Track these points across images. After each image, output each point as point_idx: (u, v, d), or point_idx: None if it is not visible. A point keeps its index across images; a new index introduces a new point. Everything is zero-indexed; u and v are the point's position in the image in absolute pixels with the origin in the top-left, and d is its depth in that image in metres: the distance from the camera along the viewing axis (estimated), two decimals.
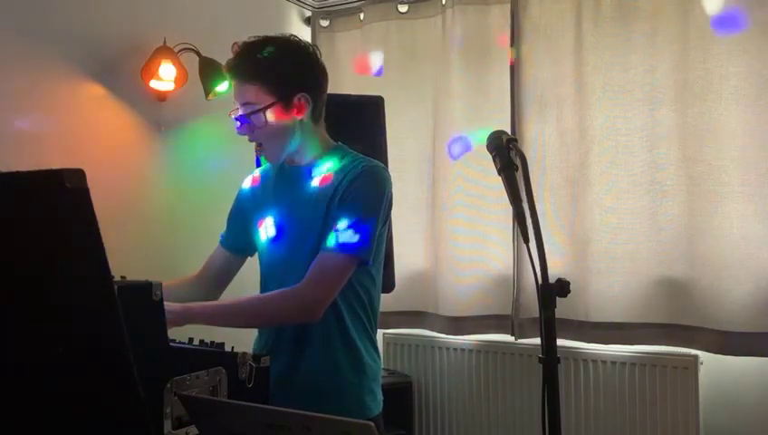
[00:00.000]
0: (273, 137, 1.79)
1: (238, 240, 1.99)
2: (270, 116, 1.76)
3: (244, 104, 1.77)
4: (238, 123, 1.79)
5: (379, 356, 1.89)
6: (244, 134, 1.80)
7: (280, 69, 1.76)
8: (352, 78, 3.69)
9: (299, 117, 1.79)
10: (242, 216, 1.98)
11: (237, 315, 1.74)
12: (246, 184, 2.02)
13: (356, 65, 3.73)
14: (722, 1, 2.92)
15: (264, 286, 1.90)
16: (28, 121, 2.48)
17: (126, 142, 2.87)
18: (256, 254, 1.97)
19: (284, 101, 1.76)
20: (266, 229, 1.89)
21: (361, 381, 1.80)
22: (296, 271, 1.74)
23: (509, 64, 3.38)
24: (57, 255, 0.99)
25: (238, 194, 2.03)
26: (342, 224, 1.72)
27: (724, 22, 2.90)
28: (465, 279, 3.43)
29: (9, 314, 1.05)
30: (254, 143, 1.85)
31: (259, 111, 1.75)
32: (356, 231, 1.72)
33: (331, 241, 1.72)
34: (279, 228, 1.86)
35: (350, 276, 1.74)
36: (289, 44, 1.81)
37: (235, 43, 1.80)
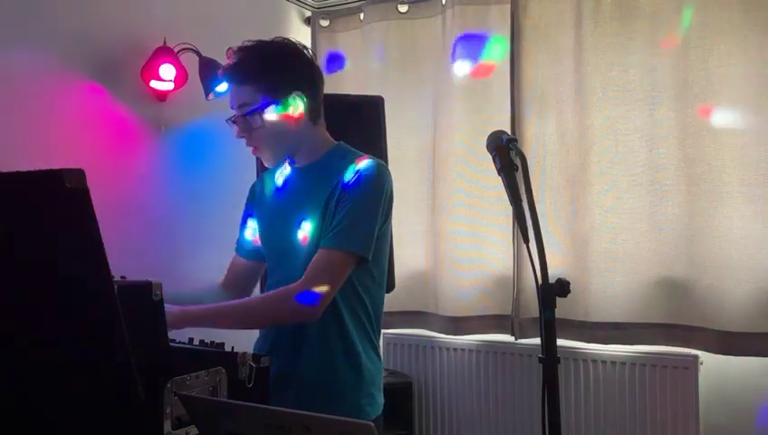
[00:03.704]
0: (270, 138, 1.80)
1: (250, 245, 2.00)
2: (266, 117, 1.77)
3: (240, 106, 1.79)
4: (235, 126, 1.81)
5: (380, 359, 1.87)
6: (242, 137, 1.82)
7: (273, 69, 1.78)
8: (352, 78, 3.69)
9: (295, 116, 1.80)
10: (250, 221, 2.01)
11: (236, 317, 1.74)
12: (253, 189, 2.04)
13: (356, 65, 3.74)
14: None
15: (266, 287, 1.91)
16: (28, 121, 2.48)
17: (126, 142, 2.87)
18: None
19: (279, 100, 1.77)
20: (269, 228, 1.90)
21: (359, 383, 1.79)
22: (296, 270, 1.74)
23: (509, 64, 3.39)
24: (57, 255, 0.99)
25: (247, 201, 2.05)
26: (341, 221, 1.72)
27: None
28: (465, 279, 3.43)
29: (9, 314, 1.05)
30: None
31: (255, 111, 1.76)
32: (354, 228, 1.72)
33: (329, 239, 1.72)
34: (279, 227, 1.86)
35: (349, 275, 1.74)
36: (281, 46, 1.83)
37: (229, 49, 1.81)
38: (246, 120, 1.78)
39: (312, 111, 1.83)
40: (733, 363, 2.95)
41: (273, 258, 1.91)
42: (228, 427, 1.02)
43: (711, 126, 2.94)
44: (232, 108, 1.81)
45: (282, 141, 1.81)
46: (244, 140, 1.83)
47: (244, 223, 2.03)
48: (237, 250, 2.04)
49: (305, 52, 1.85)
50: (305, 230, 1.79)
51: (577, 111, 3.21)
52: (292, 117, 1.79)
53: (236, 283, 2.02)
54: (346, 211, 1.72)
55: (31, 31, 2.50)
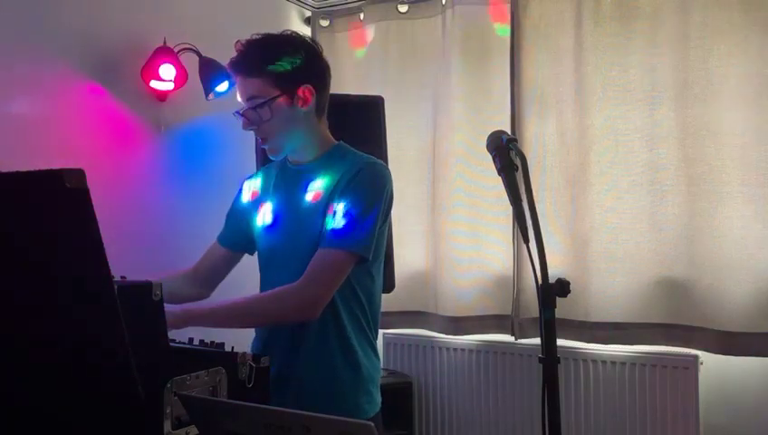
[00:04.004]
0: (277, 130, 1.79)
1: (236, 237, 1.99)
2: (275, 108, 1.76)
3: (248, 99, 1.78)
4: (243, 119, 1.80)
5: (377, 357, 1.87)
6: (250, 129, 1.81)
7: (283, 61, 1.77)
8: (352, 78, 3.69)
9: (303, 109, 1.79)
10: (241, 213, 1.99)
11: (236, 316, 1.74)
12: (247, 182, 2.02)
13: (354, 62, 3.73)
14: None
15: (263, 284, 1.90)
16: (28, 121, 2.48)
17: (126, 142, 2.87)
18: (255, 257, 1.97)
19: (289, 93, 1.77)
20: (265, 224, 1.89)
21: (357, 382, 1.79)
22: (295, 268, 1.74)
23: (509, 64, 3.38)
24: (57, 255, 0.99)
25: (238, 192, 2.03)
26: (341, 220, 1.72)
27: None
28: (465, 279, 3.44)
29: (9, 314, 1.05)
30: (254, 143, 1.86)
31: (264, 103, 1.75)
32: (354, 227, 1.71)
33: (329, 238, 1.72)
34: (278, 225, 1.86)
35: (348, 274, 1.74)
36: (289, 38, 1.82)
37: (237, 41, 1.81)
38: (255, 112, 1.77)
39: (318, 107, 1.83)
40: (733, 363, 2.95)
41: (266, 254, 1.90)
42: (228, 427, 1.02)
43: (711, 126, 2.94)
44: (240, 101, 1.81)
45: (289, 134, 1.80)
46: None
47: (233, 213, 2.01)
48: (220, 239, 2.02)
49: (314, 45, 1.85)
50: (305, 229, 1.79)
51: (577, 111, 3.21)
52: (301, 110, 1.79)
53: (209, 271, 2.00)
54: (346, 211, 1.72)
55: (31, 31, 2.50)
